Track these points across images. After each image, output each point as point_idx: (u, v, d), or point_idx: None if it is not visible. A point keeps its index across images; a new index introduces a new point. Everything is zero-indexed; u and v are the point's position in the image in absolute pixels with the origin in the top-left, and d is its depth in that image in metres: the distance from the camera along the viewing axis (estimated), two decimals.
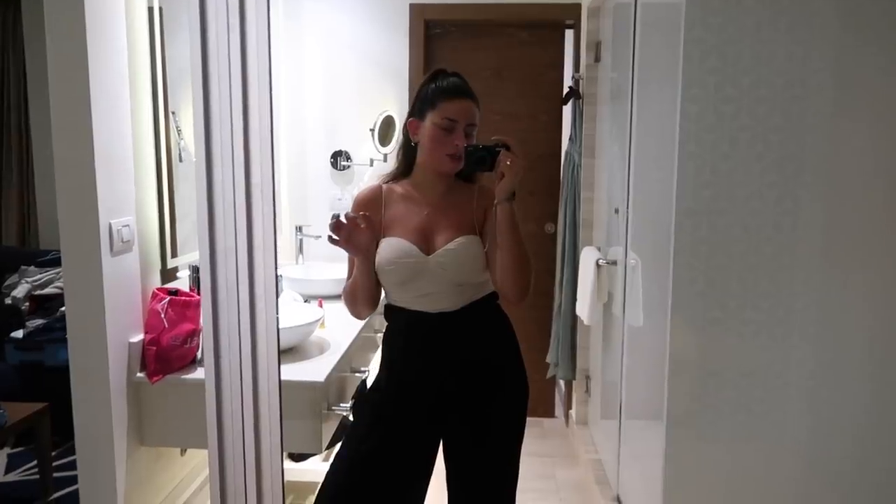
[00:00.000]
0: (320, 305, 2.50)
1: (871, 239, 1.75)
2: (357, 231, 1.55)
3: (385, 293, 1.69)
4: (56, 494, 2.69)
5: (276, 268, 1.49)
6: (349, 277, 1.67)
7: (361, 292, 1.64)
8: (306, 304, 2.60)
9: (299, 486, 2.68)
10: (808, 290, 1.77)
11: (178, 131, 2.24)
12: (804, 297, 1.77)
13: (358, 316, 1.70)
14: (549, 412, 3.70)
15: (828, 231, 1.76)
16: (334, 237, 1.54)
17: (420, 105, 1.62)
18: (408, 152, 1.68)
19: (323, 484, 1.63)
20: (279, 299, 2.68)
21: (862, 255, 1.76)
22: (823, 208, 1.75)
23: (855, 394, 1.79)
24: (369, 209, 1.64)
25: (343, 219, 1.54)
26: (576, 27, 3.40)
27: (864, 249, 1.75)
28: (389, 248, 1.59)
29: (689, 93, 1.74)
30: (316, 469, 2.69)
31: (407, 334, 1.64)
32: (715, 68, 1.73)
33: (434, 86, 1.61)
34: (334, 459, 1.65)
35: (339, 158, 3.44)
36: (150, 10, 2.06)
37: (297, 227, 3.32)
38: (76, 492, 1.96)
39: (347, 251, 1.59)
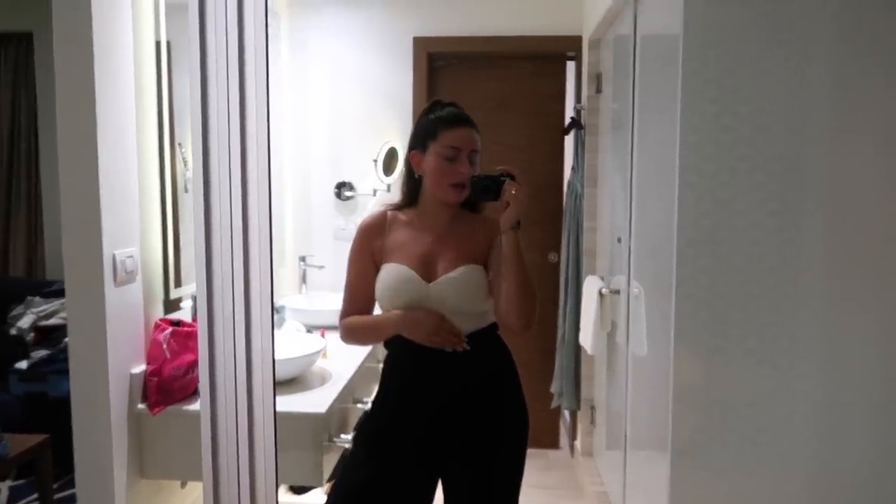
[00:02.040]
0: (323, 335, 2.50)
1: (875, 268, 1.74)
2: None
3: None
4: None
5: (272, 299, 1.50)
6: (347, 308, 1.68)
7: (364, 341, 1.72)
8: (309, 334, 2.60)
9: None
10: (811, 319, 1.76)
11: (185, 162, 2.26)
12: (808, 327, 1.76)
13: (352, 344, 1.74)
14: (553, 443, 3.66)
15: (831, 260, 1.75)
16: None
17: (421, 136, 1.63)
18: (411, 184, 1.69)
19: None
20: (281, 329, 2.68)
21: (866, 283, 1.75)
22: (826, 237, 1.75)
23: (861, 424, 1.76)
24: (373, 234, 1.65)
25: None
26: (577, 59, 3.44)
27: (868, 278, 1.75)
28: (389, 273, 1.60)
29: (689, 123, 1.75)
30: (317, 502, 2.66)
31: (405, 362, 1.63)
32: (714, 98, 1.74)
33: (433, 116, 1.62)
34: (331, 489, 1.63)
35: (342, 189, 3.47)
36: (158, 44, 2.10)
37: (300, 258, 3.33)
38: None
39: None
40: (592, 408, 3.26)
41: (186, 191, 2.27)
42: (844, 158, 1.74)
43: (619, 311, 2.60)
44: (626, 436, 2.40)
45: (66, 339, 1.88)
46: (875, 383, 1.76)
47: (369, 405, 2.37)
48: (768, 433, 1.79)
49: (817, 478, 1.80)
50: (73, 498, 2.76)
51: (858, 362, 1.76)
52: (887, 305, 1.74)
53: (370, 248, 1.66)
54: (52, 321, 3.46)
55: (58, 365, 3.12)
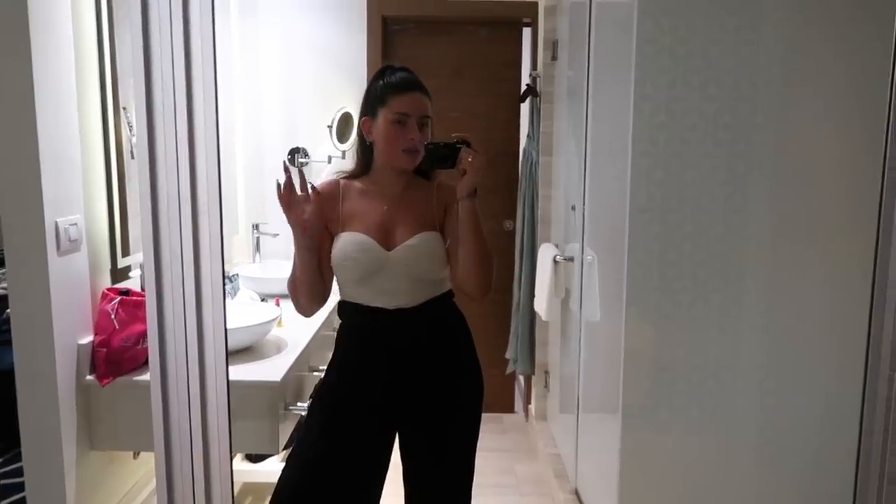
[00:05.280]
0: (277, 304, 2.47)
1: (819, 236, 1.80)
2: (307, 204, 1.53)
3: (339, 289, 1.67)
4: (3, 503, 2.61)
5: (222, 264, 1.47)
6: (293, 270, 1.64)
7: (302, 287, 1.60)
8: (263, 302, 2.57)
9: (257, 487, 2.65)
10: (757, 286, 1.82)
11: (130, 127, 2.18)
12: (753, 293, 1.82)
13: (303, 313, 1.66)
14: (508, 407, 3.73)
15: (776, 228, 1.81)
16: (283, 198, 1.53)
17: (371, 103, 1.60)
18: (365, 151, 1.66)
19: (276, 487, 1.60)
20: (235, 298, 2.64)
21: (810, 251, 1.81)
22: (772, 206, 1.80)
23: (803, 386, 1.84)
24: (326, 203, 1.62)
25: (294, 187, 1.53)
26: (533, 25, 3.43)
27: (812, 246, 1.80)
28: (347, 242, 1.57)
29: (642, 92, 1.77)
30: (274, 470, 2.66)
31: (362, 331, 1.63)
32: (667, 67, 1.76)
33: (382, 82, 1.59)
34: (287, 461, 1.63)
35: (296, 155, 3.40)
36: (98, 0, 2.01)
37: (253, 225, 3.27)
38: (24, 499, 1.90)
39: (291, 221, 1.55)
40: (546, 373, 3.33)
41: (133, 157, 2.20)
42: (791, 128, 1.78)
43: (572, 278, 2.64)
44: (578, 400, 2.45)
45: (9, 311, 1.82)
46: (817, 348, 1.83)
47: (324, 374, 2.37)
48: (715, 396, 1.85)
49: (761, 438, 1.88)
50: (19, 472, 2.70)
51: (801, 328, 1.83)
52: (829, 273, 1.80)
53: (322, 216, 1.62)
54: None
55: (1, 336, 3.02)
